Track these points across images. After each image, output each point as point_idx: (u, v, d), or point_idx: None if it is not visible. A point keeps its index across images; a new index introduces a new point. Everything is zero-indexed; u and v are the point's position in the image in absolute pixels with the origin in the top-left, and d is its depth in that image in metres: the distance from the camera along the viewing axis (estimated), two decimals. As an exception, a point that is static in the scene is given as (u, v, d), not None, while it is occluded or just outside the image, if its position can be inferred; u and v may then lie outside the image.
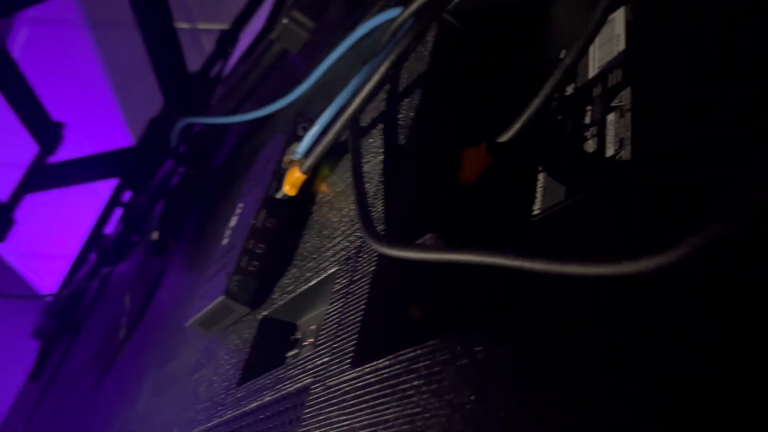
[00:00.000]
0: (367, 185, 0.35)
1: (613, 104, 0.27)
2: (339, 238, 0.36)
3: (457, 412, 0.21)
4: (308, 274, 0.37)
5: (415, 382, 0.23)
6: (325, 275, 0.35)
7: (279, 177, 0.44)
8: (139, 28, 1.22)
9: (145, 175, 1.31)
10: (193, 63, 1.32)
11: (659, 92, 0.25)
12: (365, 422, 0.24)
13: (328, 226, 0.38)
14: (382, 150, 0.37)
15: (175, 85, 1.24)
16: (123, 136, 2.30)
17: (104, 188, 1.56)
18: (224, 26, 1.32)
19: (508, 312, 0.23)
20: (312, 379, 0.30)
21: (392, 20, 0.41)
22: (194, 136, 1.03)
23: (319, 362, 0.30)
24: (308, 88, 0.53)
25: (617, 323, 0.18)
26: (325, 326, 0.31)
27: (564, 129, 0.30)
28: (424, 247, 0.26)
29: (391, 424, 0.23)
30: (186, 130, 1.02)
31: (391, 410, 0.23)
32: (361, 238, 0.33)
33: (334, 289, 0.32)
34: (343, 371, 0.27)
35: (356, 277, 0.31)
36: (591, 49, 0.31)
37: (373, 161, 0.37)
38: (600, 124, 0.28)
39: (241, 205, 0.48)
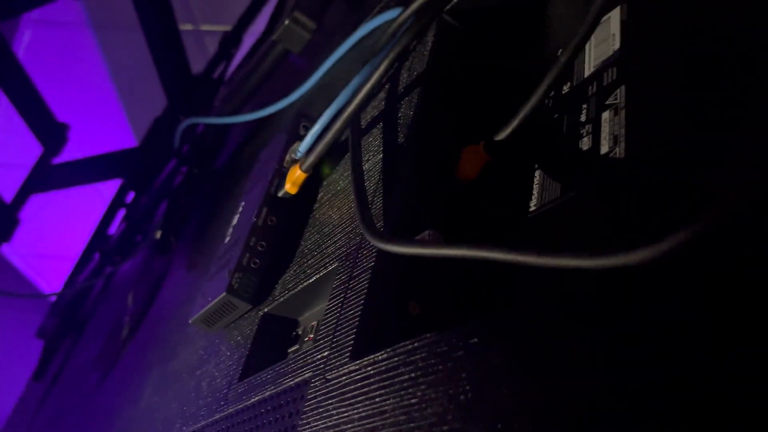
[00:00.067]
0: (367, 183, 0.36)
1: (608, 102, 0.28)
2: (339, 236, 0.36)
3: (452, 403, 0.21)
4: (309, 271, 0.37)
5: (412, 374, 0.23)
6: (325, 272, 0.35)
7: (281, 175, 0.44)
8: (142, 29, 1.23)
9: (149, 175, 1.32)
10: (197, 64, 1.33)
11: (653, 90, 0.26)
12: (363, 413, 0.24)
13: (328, 224, 0.39)
14: (381, 148, 0.37)
15: (178, 86, 1.25)
16: (126, 137, 2.31)
17: (108, 189, 1.56)
18: (227, 28, 1.33)
19: (504, 306, 0.23)
20: (312, 373, 0.30)
21: (392, 21, 0.42)
22: (197, 137, 1.04)
23: (318, 356, 0.30)
24: (310, 88, 0.53)
25: (614, 319, 0.18)
26: (325, 321, 0.31)
27: (560, 127, 0.30)
28: (420, 243, 0.26)
29: (388, 414, 0.23)
30: (189, 131, 1.03)
31: (388, 401, 0.24)
32: (360, 235, 0.33)
33: (334, 285, 0.33)
34: (342, 364, 0.28)
35: (356, 273, 0.31)
36: (587, 48, 0.31)
37: (373, 159, 0.37)
38: (595, 121, 0.28)
39: (243, 203, 0.48)
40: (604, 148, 0.26)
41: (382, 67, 0.36)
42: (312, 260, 0.38)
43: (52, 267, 2.77)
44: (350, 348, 0.28)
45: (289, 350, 0.38)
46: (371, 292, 0.29)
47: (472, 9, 0.40)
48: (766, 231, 0.16)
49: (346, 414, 0.26)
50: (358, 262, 0.32)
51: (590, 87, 0.30)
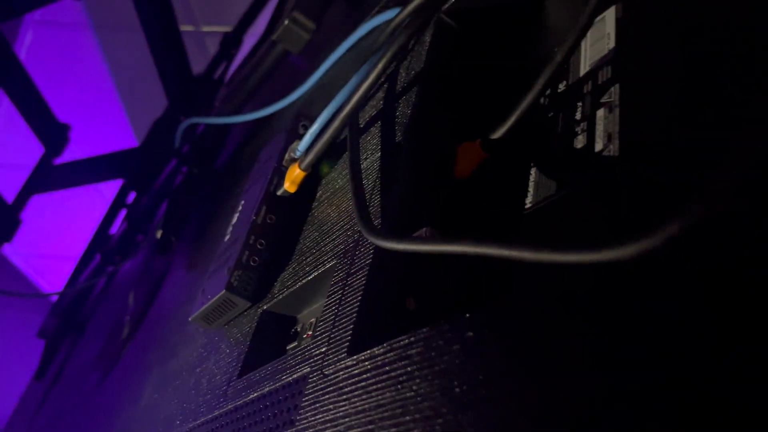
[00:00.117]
0: (365, 181, 0.36)
1: (602, 100, 0.28)
2: (337, 233, 0.36)
3: (447, 396, 0.21)
4: (307, 269, 0.38)
5: (409, 368, 0.24)
6: (323, 269, 0.36)
7: (280, 174, 0.45)
8: (143, 30, 1.23)
9: (149, 175, 1.32)
10: (198, 65, 1.34)
11: (647, 89, 0.26)
12: (360, 407, 0.25)
13: (327, 222, 0.39)
14: (379, 147, 0.37)
15: (179, 87, 1.25)
16: (127, 138, 2.32)
17: (109, 190, 1.57)
18: (228, 29, 1.33)
19: (500, 300, 0.24)
20: (310, 369, 0.30)
21: (390, 21, 0.42)
22: (197, 137, 1.04)
23: (316, 352, 0.31)
24: (309, 88, 0.54)
25: (613, 318, 0.18)
26: (323, 318, 0.32)
27: (555, 125, 0.31)
28: (416, 239, 0.27)
29: (384, 408, 0.24)
30: (189, 131, 1.03)
31: (385, 395, 0.24)
32: (358, 232, 0.34)
33: (332, 282, 0.33)
34: (339, 359, 0.28)
35: (353, 270, 0.32)
36: (583, 46, 0.32)
37: (371, 158, 0.38)
38: (590, 119, 0.28)
39: (242, 202, 0.48)
40: (598, 146, 0.27)
41: (379, 66, 0.37)
42: (310, 258, 0.38)
43: (54, 267, 2.77)
44: (348, 343, 0.28)
45: (287, 347, 0.39)
46: (369, 289, 0.30)
47: (469, 9, 0.40)
48: (766, 231, 0.16)
49: (343, 408, 0.26)
50: (356, 259, 0.32)
51: (585, 85, 0.30)
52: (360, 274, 0.31)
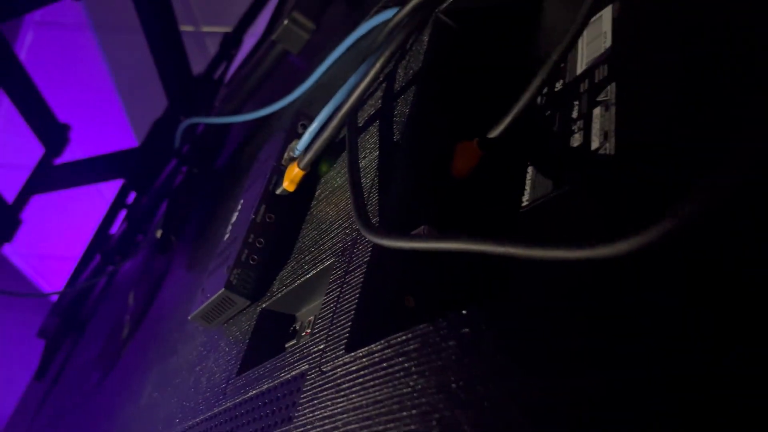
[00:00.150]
0: (363, 180, 0.36)
1: (599, 99, 0.28)
2: (336, 231, 0.37)
3: (444, 392, 0.22)
4: (306, 267, 0.38)
5: (405, 364, 0.24)
6: (322, 267, 0.36)
7: (279, 173, 0.45)
8: (143, 31, 1.23)
9: (150, 175, 1.33)
10: (198, 65, 1.34)
11: (643, 87, 0.26)
12: (358, 403, 0.25)
13: (325, 220, 0.39)
14: (378, 146, 0.38)
15: (179, 87, 1.26)
16: (127, 138, 2.32)
17: (109, 190, 1.57)
18: (228, 29, 1.34)
19: (496, 296, 0.24)
20: (308, 366, 0.31)
21: (388, 21, 0.42)
22: (197, 137, 1.04)
23: (314, 349, 0.31)
24: (308, 88, 0.54)
25: (610, 315, 0.18)
26: (322, 315, 0.32)
27: (552, 123, 0.31)
28: (413, 237, 0.27)
29: (382, 404, 0.24)
30: (189, 131, 1.03)
31: (382, 391, 0.24)
32: (356, 230, 0.34)
33: (331, 280, 0.33)
34: (337, 356, 0.28)
35: (351, 268, 0.32)
36: (580, 45, 0.32)
37: (369, 157, 0.38)
38: (586, 118, 0.28)
39: (242, 201, 0.49)
40: (594, 144, 0.27)
41: (377, 66, 0.37)
42: (309, 256, 0.38)
43: (54, 268, 2.77)
44: (345, 340, 0.28)
45: (286, 345, 0.39)
46: (366, 286, 0.30)
47: (467, 9, 0.41)
48: (766, 231, 0.16)
49: (341, 404, 0.26)
50: (354, 257, 0.32)
51: (582, 84, 0.30)
52: (358, 271, 0.31)
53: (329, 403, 0.27)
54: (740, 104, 0.21)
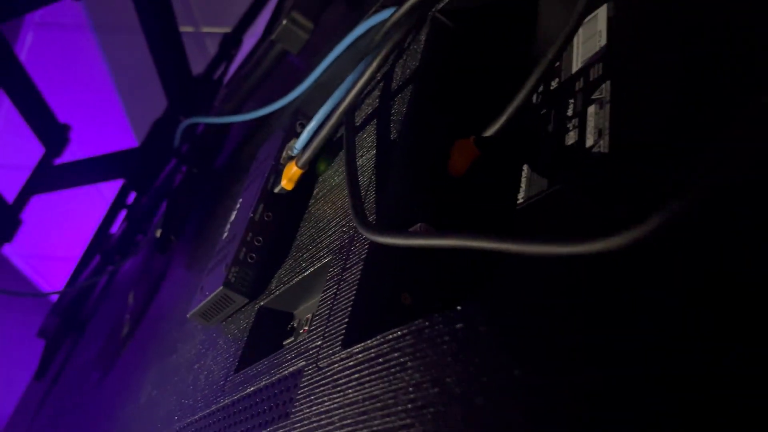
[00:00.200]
0: (360, 178, 0.37)
1: (593, 97, 0.29)
2: (333, 229, 0.37)
3: (438, 387, 0.22)
4: (304, 265, 0.38)
5: (401, 360, 0.24)
6: (319, 265, 0.36)
7: (277, 172, 0.45)
8: (143, 31, 1.24)
9: (150, 175, 1.33)
10: (198, 65, 1.34)
11: (637, 85, 0.26)
12: (354, 398, 0.25)
13: (323, 219, 0.39)
14: (375, 144, 0.38)
15: (179, 87, 1.26)
16: (127, 138, 2.32)
17: (109, 190, 1.57)
18: (227, 29, 1.34)
19: (490, 291, 0.24)
20: (305, 362, 0.31)
21: (386, 20, 0.42)
22: (197, 136, 1.04)
23: (312, 346, 0.31)
24: (307, 87, 0.54)
25: (608, 313, 0.18)
26: (319, 312, 0.32)
27: (547, 122, 0.31)
28: (409, 234, 0.27)
29: (377, 399, 0.24)
30: (189, 130, 1.03)
31: (378, 386, 0.24)
32: (353, 228, 0.34)
33: (328, 277, 0.33)
34: (334, 352, 0.28)
35: (348, 265, 0.32)
36: (576, 44, 0.32)
37: (367, 155, 0.38)
38: (581, 116, 0.29)
39: (240, 200, 0.49)
40: (589, 141, 0.27)
41: (374, 65, 0.37)
42: (307, 254, 0.39)
43: (54, 268, 2.78)
44: (342, 336, 0.28)
45: (284, 342, 0.39)
46: (363, 283, 0.30)
47: (464, 8, 0.41)
48: (766, 231, 0.16)
49: (338, 400, 0.26)
50: (351, 254, 0.32)
51: (577, 82, 0.30)
52: (355, 268, 0.31)
53: (326, 398, 0.27)
54: (737, 103, 0.21)
